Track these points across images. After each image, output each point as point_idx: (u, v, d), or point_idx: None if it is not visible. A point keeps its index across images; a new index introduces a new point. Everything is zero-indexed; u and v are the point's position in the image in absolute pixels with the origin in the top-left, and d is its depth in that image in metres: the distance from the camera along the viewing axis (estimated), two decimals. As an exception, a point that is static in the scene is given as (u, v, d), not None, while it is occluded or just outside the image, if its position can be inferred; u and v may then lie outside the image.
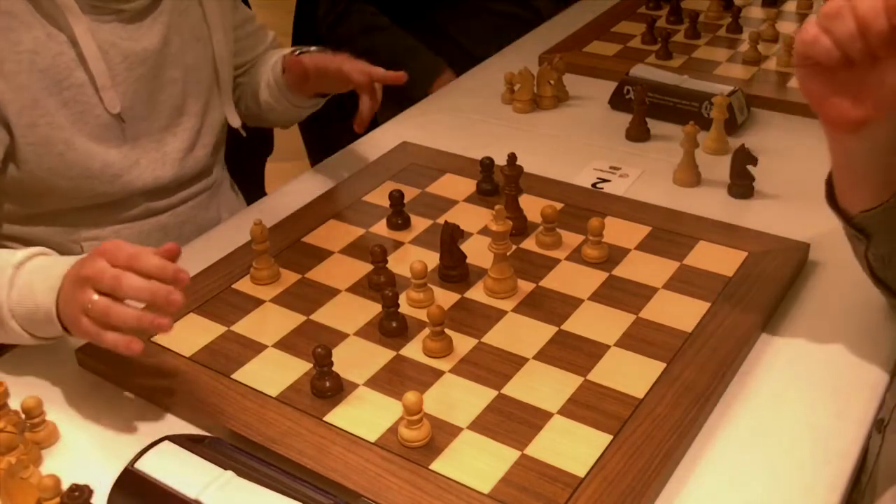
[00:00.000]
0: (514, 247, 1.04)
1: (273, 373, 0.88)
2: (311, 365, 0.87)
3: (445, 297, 0.97)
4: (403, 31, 1.71)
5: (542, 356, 0.88)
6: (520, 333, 0.91)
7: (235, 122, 1.24)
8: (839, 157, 0.84)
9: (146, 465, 0.73)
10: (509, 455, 0.77)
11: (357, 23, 1.71)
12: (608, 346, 0.89)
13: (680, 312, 0.93)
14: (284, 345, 0.91)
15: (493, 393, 0.84)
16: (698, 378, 0.84)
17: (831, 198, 0.87)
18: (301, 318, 0.95)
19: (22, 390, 0.82)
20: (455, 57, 1.64)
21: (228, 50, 1.21)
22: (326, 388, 0.84)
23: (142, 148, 1.12)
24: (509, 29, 1.69)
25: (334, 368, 0.85)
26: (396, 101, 1.59)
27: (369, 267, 0.99)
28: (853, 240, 0.89)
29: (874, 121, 0.76)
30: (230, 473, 0.71)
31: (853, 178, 0.84)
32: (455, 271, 0.99)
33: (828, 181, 0.88)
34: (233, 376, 0.87)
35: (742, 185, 1.15)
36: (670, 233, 1.06)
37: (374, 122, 1.52)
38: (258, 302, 0.98)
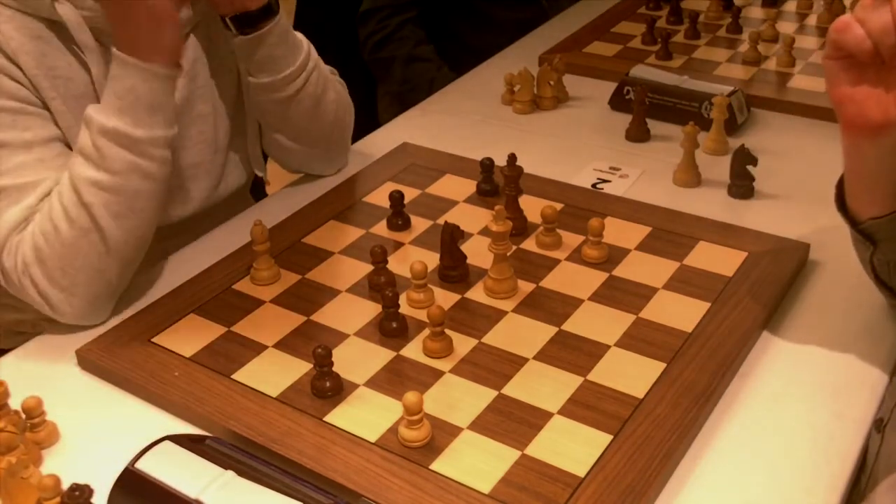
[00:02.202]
0: (514, 247, 1.04)
1: (273, 373, 0.88)
2: (311, 365, 0.87)
3: (445, 298, 0.97)
4: (441, 63, 1.74)
5: (542, 356, 0.88)
6: (520, 333, 0.91)
7: (258, 168, 1.21)
8: (853, 162, 0.83)
9: (146, 465, 0.73)
10: (509, 455, 0.77)
11: (401, 49, 1.73)
12: (608, 346, 0.89)
13: (680, 312, 0.93)
14: (285, 345, 0.92)
15: (493, 393, 0.84)
16: (698, 378, 0.84)
17: (840, 201, 0.87)
18: (301, 319, 0.95)
19: (22, 390, 0.82)
20: (474, 66, 1.64)
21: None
22: (326, 388, 0.84)
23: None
24: (523, 35, 1.70)
25: (334, 369, 0.85)
26: (401, 103, 1.61)
27: (369, 267, 0.99)
28: (859, 245, 0.88)
29: (894, 127, 0.76)
30: (230, 473, 0.71)
31: (865, 184, 0.83)
32: (455, 272, 1.00)
33: (838, 185, 0.87)
34: (233, 376, 0.88)
35: (742, 185, 1.15)
36: (670, 233, 1.06)
37: (376, 123, 1.53)
38: (258, 302, 0.98)
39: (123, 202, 0.94)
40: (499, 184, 1.14)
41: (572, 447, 0.78)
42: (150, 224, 0.98)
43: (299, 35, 1.12)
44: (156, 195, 0.97)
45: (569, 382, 0.85)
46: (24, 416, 0.80)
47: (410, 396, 0.77)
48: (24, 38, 0.96)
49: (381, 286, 0.97)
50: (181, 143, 1.10)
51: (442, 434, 0.80)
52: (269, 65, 1.09)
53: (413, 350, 0.90)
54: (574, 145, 1.31)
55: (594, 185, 1.20)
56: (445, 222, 0.99)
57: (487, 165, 1.15)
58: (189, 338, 0.93)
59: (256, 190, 1.36)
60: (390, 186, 1.16)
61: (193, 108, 1.11)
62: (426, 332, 0.89)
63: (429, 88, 1.60)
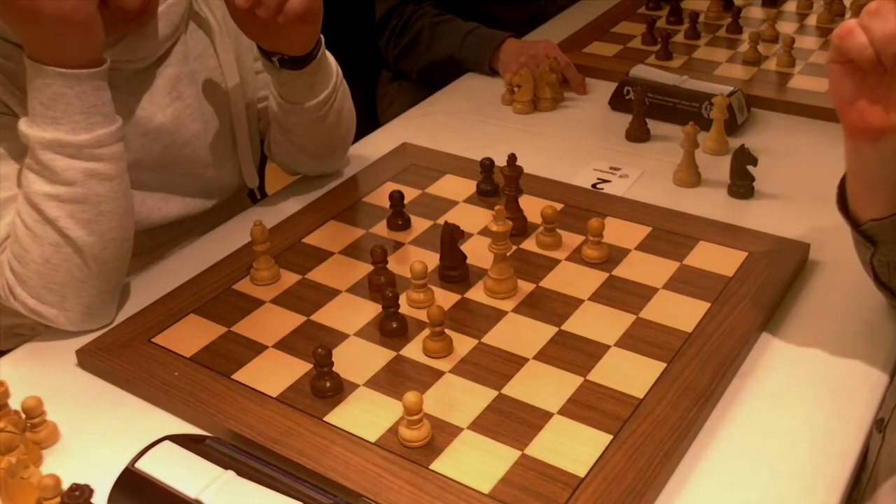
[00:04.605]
0: (514, 247, 1.04)
1: (273, 373, 0.88)
2: (311, 365, 0.87)
3: (445, 298, 0.97)
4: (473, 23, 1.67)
5: (542, 356, 0.88)
6: (520, 333, 0.91)
7: (252, 181, 1.20)
8: (854, 165, 0.83)
9: (146, 465, 0.73)
10: (509, 455, 0.77)
11: (423, 20, 1.66)
12: (608, 346, 0.89)
13: (680, 312, 0.93)
14: (285, 345, 0.92)
15: (493, 393, 0.84)
16: (698, 378, 0.84)
17: (842, 202, 0.87)
18: (301, 319, 0.95)
19: (22, 390, 0.82)
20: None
21: (247, 94, 1.16)
22: (326, 388, 0.84)
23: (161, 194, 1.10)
24: (523, 35, 1.68)
25: (334, 369, 0.85)
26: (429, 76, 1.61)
27: (369, 268, 0.99)
28: (859, 246, 0.88)
29: (894, 132, 0.75)
30: (230, 473, 0.71)
31: (866, 186, 0.83)
32: (455, 272, 1.00)
33: (840, 185, 0.87)
34: (233, 377, 0.88)
35: (742, 185, 1.15)
36: (670, 233, 1.06)
37: (376, 123, 1.53)
38: (258, 303, 0.98)
39: (89, 209, 0.91)
40: (499, 184, 1.14)
41: (572, 447, 0.78)
42: (124, 222, 0.95)
43: (328, 52, 1.11)
44: (121, 192, 0.94)
45: (569, 382, 0.85)
46: (24, 416, 0.80)
47: (410, 396, 0.77)
48: None
49: (381, 286, 0.97)
50: (173, 163, 1.09)
51: (442, 434, 0.80)
52: (307, 92, 1.09)
53: (413, 350, 0.90)
54: (574, 145, 1.31)
55: (594, 185, 1.20)
56: (445, 222, 0.99)
57: (487, 165, 1.15)
58: (189, 338, 0.93)
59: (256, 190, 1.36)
60: (390, 186, 1.16)
61: (186, 129, 1.09)
62: (426, 332, 0.89)
63: (461, 43, 1.56)
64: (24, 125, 0.90)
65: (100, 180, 0.91)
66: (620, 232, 1.06)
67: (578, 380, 0.85)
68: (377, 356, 0.89)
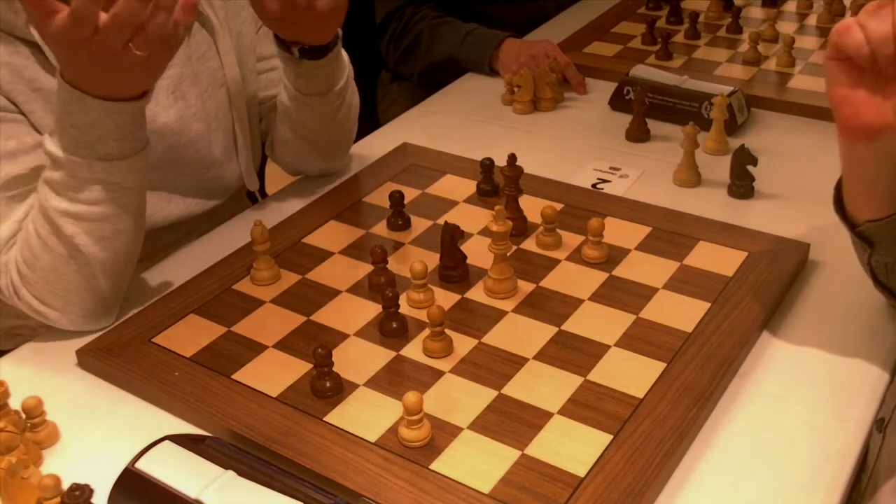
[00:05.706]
0: (514, 247, 1.04)
1: (273, 373, 0.88)
2: (311, 365, 0.87)
3: (445, 298, 0.97)
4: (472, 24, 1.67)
5: (542, 356, 0.88)
6: (520, 333, 0.91)
7: (252, 184, 1.20)
8: (849, 166, 0.83)
9: (146, 465, 0.73)
10: (509, 455, 0.77)
11: (423, 23, 1.65)
12: (608, 346, 0.89)
13: (680, 312, 0.93)
14: (285, 345, 0.92)
15: (493, 393, 0.84)
16: (698, 378, 0.84)
17: (838, 204, 0.87)
18: (301, 319, 0.95)
19: (22, 390, 0.82)
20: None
21: (248, 96, 1.15)
22: (326, 388, 0.84)
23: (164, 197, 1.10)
24: (523, 35, 1.68)
25: (334, 369, 0.85)
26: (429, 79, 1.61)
27: (369, 268, 0.99)
28: (857, 246, 0.88)
29: (890, 132, 0.76)
30: (231, 473, 0.71)
31: (862, 187, 0.83)
32: (455, 272, 1.00)
33: (836, 187, 0.87)
34: (233, 377, 0.88)
35: (742, 185, 1.15)
36: (670, 233, 1.06)
37: (376, 123, 1.53)
38: (258, 303, 0.98)
39: (106, 227, 0.91)
40: (499, 184, 1.14)
41: (572, 447, 0.78)
42: (137, 236, 0.96)
43: None
44: (139, 209, 0.94)
45: (569, 382, 0.85)
46: (24, 416, 0.80)
47: (410, 396, 0.77)
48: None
49: (381, 286, 0.97)
50: (175, 163, 1.09)
51: (442, 434, 0.80)
52: (326, 82, 1.09)
53: (413, 350, 0.90)
54: (574, 145, 1.31)
55: (594, 185, 1.20)
56: (445, 222, 0.99)
57: (487, 165, 1.15)
58: (189, 338, 0.93)
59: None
60: (390, 186, 1.16)
61: (190, 129, 1.09)
62: (426, 332, 0.89)
63: (461, 43, 1.56)
64: (51, 146, 0.88)
65: (123, 201, 0.91)
66: (620, 232, 1.06)
67: (578, 380, 0.85)
68: (377, 356, 0.89)
